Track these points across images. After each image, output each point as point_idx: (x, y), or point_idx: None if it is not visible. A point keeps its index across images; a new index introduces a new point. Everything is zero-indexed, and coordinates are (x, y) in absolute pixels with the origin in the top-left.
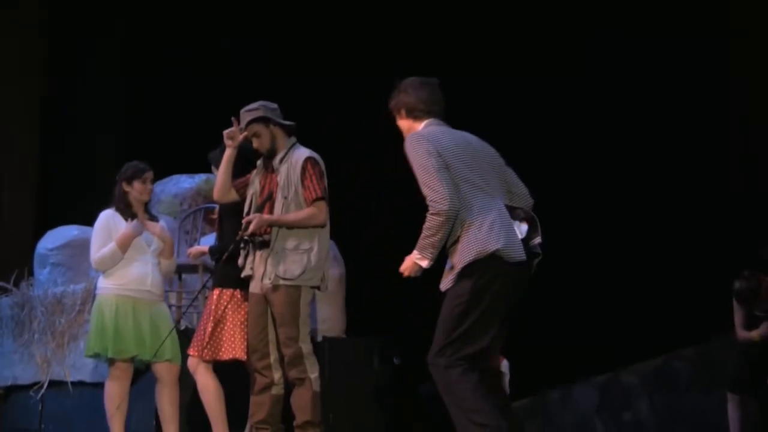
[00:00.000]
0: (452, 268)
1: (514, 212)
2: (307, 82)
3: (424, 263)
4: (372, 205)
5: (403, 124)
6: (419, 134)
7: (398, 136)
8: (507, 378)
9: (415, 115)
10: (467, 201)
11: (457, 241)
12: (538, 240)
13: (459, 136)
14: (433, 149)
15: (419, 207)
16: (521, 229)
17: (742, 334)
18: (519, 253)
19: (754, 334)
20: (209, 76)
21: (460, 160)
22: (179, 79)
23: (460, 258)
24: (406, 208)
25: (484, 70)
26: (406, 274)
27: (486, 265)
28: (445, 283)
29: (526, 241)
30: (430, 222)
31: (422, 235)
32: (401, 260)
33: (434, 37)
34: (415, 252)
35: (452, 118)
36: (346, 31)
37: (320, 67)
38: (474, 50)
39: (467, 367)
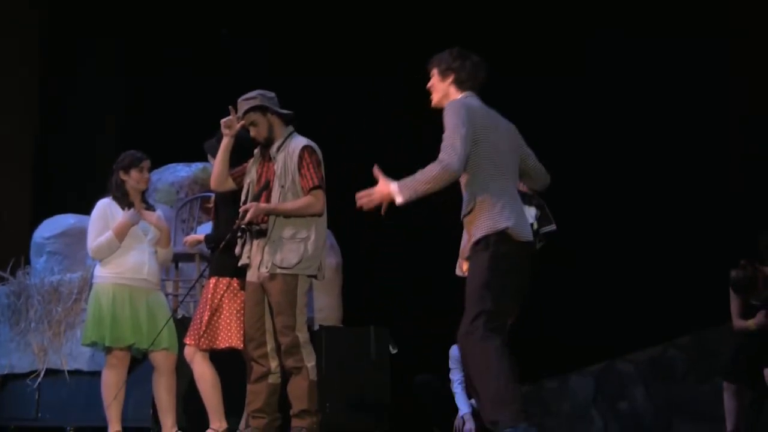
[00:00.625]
0: (468, 240)
1: (525, 198)
2: (307, 82)
3: (399, 199)
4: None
5: (441, 87)
6: (463, 103)
7: (398, 135)
8: None
9: (460, 85)
10: (485, 180)
11: (469, 214)
12: (550, 228)
13: (492, 116)
14: (470, 122)
15: (418, 206)
16: (530, 212)
17: (738, 323)
18: (527, 234)
19: (751, 323)
20: (209, 76)
21: (489, 140)
22: (179, 79)
23: (474, 232)
24: (405, 206)
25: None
26: (372, 199)
27: (498, 240)
28: (465, 251)
29: (538, 228)
30: (431, 169)
31: (414, 176)
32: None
33: (434, 37)
34: (394, 184)
35: None
36: (346, 31)
37: (320, 67)
38: (474, 50)
39: (501, 342)
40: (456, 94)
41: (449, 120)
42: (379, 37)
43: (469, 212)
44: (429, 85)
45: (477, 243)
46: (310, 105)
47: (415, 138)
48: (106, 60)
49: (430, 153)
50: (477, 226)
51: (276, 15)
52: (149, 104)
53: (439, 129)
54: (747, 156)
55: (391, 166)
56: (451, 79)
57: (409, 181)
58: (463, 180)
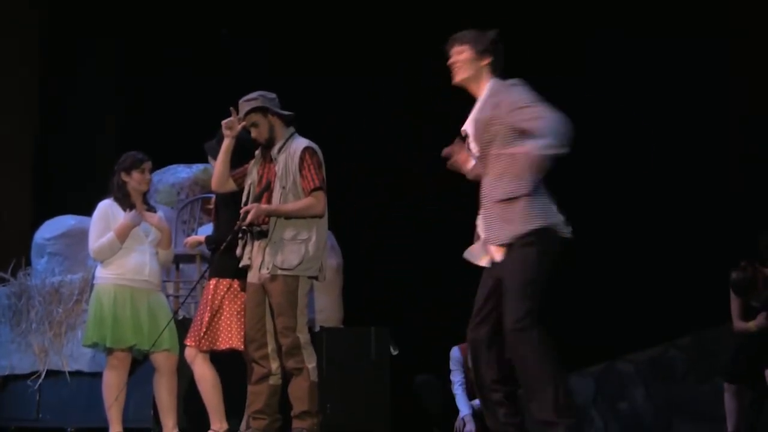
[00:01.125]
0: (504, 226)
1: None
2: (307, 82)
3: (553, 151)
4: (372, 204)
5: (473, 66)
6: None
7: (398, 135)
8: None
9: (493, 70)
10: None
11: (513, 200)
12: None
13: None
14: None
15: (418, 206)
16: None
17: (738, 324)
18: (567, 231)
19: (751, 324)
20: (209, 76)
21: None
22: (179, 79)
23: (520, 222)
24: (405, 207)
25: None
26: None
27: (547, 236)
28: (500, 238)
29: None
30: (552, 123)
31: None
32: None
33: (434, 37)
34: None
35: (453, 117)
36: (346, 31)
37: (320, 67)
38: None
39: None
40: (487, 78)
41: (528, 94)
42: (379, 37)
43: (513, 199)
44: (456, 60)
45: (525, 235)
46: (310, 105)
47: (415, 138)
48: (106, 60)
49: (430, 153)
50: (526, 217)
51: (276, 15)
52: (149, 104)
53: (439, 129)
54: (747, 156)
55: (391, 166)
56: (488, 61)
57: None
58: (510, 162)
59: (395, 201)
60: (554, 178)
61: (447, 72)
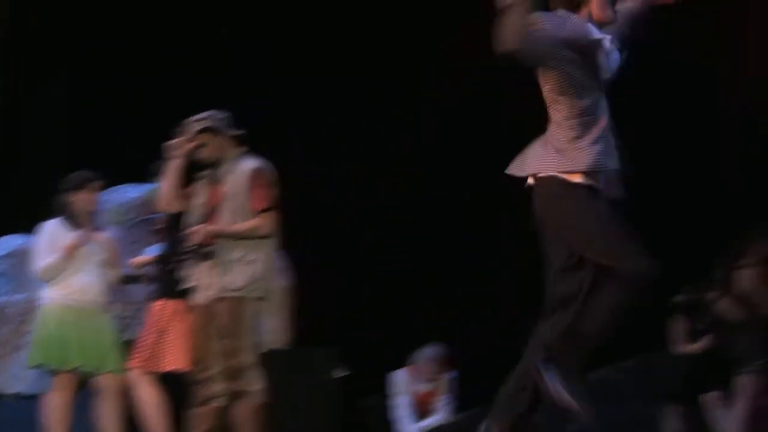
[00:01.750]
0: None
1: None
2: (307, 82)
3: None
4: (371, 204)
5: None
6: None
7: (397, 135)
8: None
9: None
10: None
11: None
12: None
13: None
14: None
15: (418, 208)
16: None
17: (683, 347)
18: None
19: (696, 347)
20: (209, 76)
21: None
22: (179, 79)
23: None
24: (405, 207)
25: (485, 70)
26: None
27: None
28: None
29: None
30: None
31: None
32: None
33: (434, 37)
34: None
35: (452, 116)
36: (346, 31)
37: (320, 67)
38: (475, 50)
39: None
40: None
41: None
42: (379, 37)
43: None
44: None
45: None
46: (310, 105)
47: (415, 138)
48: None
49: (430, 153)
50: None
51: (276, 15)
52: (149, 104)
53: (437, 129)
54: (747, 156)
55: (391, 166)
56: None
57: None
58: None
59: (395, 201)
60: None
61: (447, 72)
